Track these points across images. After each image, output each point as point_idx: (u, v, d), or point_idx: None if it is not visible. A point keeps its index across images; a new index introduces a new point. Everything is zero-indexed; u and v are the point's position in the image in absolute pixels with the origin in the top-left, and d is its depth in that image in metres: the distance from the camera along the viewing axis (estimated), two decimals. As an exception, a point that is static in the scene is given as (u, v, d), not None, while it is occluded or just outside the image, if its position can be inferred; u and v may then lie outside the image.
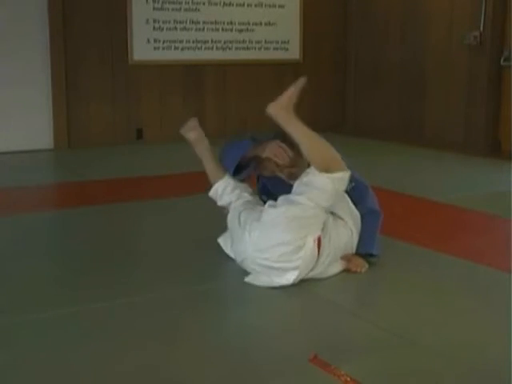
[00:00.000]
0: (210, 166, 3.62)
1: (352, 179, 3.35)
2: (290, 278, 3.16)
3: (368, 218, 3.44)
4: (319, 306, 3.09)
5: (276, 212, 3.21)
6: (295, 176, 3.38)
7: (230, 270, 3.42)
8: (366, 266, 3.39)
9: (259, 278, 3.22)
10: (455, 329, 2.80)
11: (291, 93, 3.22)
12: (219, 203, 3.56)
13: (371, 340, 2.70)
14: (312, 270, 3.21)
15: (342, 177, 3.21)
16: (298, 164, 3.39)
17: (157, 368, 2.44)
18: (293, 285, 3.21)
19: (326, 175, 3.16)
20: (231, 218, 3.42)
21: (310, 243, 3.14)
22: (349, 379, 2.32)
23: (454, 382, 2.38)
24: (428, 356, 2.54)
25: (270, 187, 3.60)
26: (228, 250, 3.52)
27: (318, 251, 3.18)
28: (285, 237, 3.12)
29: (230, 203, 3.50)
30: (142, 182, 5.75)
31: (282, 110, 3.20)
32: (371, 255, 3.44)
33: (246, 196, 3.52)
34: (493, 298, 3.14)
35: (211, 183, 3.60)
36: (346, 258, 3.36)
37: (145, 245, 4.05)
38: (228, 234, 3.53)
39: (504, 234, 4.18)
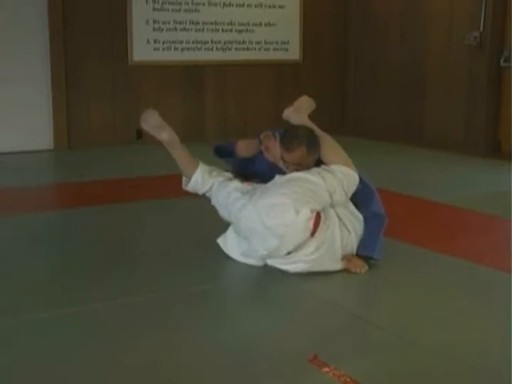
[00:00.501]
0: (182, 158, 3.63)
1: (359, 182, 3.43)
2: (274, 244, 3.19)
3: (371, 221, 3.44)
4: (319, 306, 3.09)
5: (284, 176, 3.40)
6: None
7: (230, 270, 3.42)
8: (366, 267, 3.39)
9: (250, 252, 3.30)
10: (455, 329, 2.80)
11: (300, 102, 3.83)
12: (201, 191, 3.57)
13: (371, 340, 2.70)
14: (301, 248, 3.22)
15: (353, 175, 3.41)
16: (305, 163, 3.42)
17: (156, 368, 2.44)
18: (291, 285, 3.22)
19: (339, 166, 3.39)
20: (226, 191, 3.45)
21: (307, 213, 3.18)
22: (349, 379, 2.32)
23: (453, 382, 2.38)
24: (428, 356, 2.54)
25: (268, 170, 3.61)
26: (227, 250, 3.52)
27: (314, 230, 3.20)
28: (283, 190, 3.26)
29: (211, 186, 3.54)
30: (142, 182, 5.75)
31: (292, 113, 3.65)
32: (371, 258, 3.43)
33: (228, 175, 3.59)
34: (493, 298, 3.14)
35: (185, 174, 3.62)
36: (346, 258, 3.36)
37: (145, 245, 4.05)
38: (228, 234, 3.53)
39: (504, 234, 4.18)
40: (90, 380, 2.37)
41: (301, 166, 3.42)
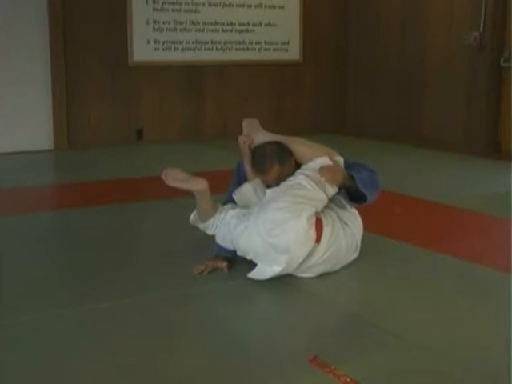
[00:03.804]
0: (207, 207, 3.42)
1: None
2: (284, 260, 3.16)
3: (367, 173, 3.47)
4: (319, 306, 3.10)
5: (274, 189, 3.35)
6: None
7: (230, 271, 3.42)
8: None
9: (260, 271, 3.24)
10: (455, 329, 2.80)
11: (246, 126, 3.58)
12: (211, 232, 3.48)
13: (371, 340, 2.70)
14: (311, 255, 3.21)
15: (335, 160, 3.39)
16: (284, 175, 3.41)
17: (156, 368, 2.44)
18: (292, 285, 3.22)
19: (316, 160, 3.37)
20: (224, 223, 3.36)
21: (303, 224, 3.14)
22: (349, 379, 2.32)
23: (453, 382, 2.38)
24: (428, 356, 2.54)
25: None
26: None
27: (318, 237, 3.20)
28: (279, 204, 3.21)
29: (216, 226, 3.47)
30: (142, 183, 5.75)
31: (251, 136, 3.50)
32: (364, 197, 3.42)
33: (235, 206, 3.50)
34: (493, 298, 3.15)
35: (201, 219, 3.47)
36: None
37: (145, 245, 4.05)
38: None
39: (504, 234, 4.18)
40: (89, 380, 2.37)
41: (281, 179, 3.39)
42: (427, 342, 2.66)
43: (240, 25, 8.04)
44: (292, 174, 3.40)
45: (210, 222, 3.43)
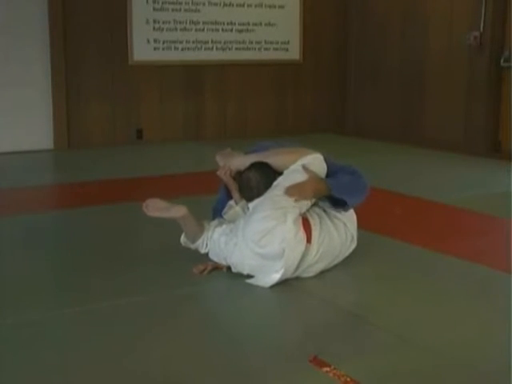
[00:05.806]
0: (193, 229, 3.47)
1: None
2: (280, 265, 3.15)
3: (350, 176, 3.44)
4: (319, 305, 3.09)
5: (256, 201, 3.36)
6: None
7: (229, 271, 3.42)
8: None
9: (259, 281, 3.23)
10: (455, 329, 2.80)
11: (221, 158, 3.64)
12: (203, 251, 3.51)
13: (371, 340, 2.70)
14: (305, 256, 3.21)
15: (314, 159, 3.39)
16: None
17: (156, 368, 2.44)
18: (291, 285, 3.22)
19: (298, 163, 3.36)
20: (213, 241, 3.39)
21: (291, 229, 3.15)
22: (349, 379, 2.32)
23: (453, 382, 2.38)
24: (428, 356, 2.54)
25: None
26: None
27: (309, 236, 3.20)
28: (261, 214, 3.21)
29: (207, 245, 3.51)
30: (142, 183, 5.74)
31: (229, 166, 3.54)
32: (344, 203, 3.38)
33: (222, 222, 3.53)
34: (493, 298, 3.15)
35: (190, 241, 3.51)
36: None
37: (145, 245, 4.05)
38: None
39: (504, 234, 4.18)
40: (89, 379, 2.37)
41: None
42: (427, 341, 2.66)
43: (240, 24, 8.04)
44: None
45: (200, 242, 3.46)
